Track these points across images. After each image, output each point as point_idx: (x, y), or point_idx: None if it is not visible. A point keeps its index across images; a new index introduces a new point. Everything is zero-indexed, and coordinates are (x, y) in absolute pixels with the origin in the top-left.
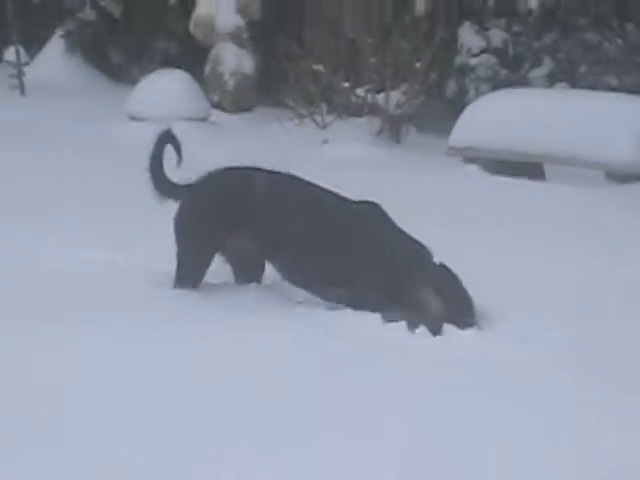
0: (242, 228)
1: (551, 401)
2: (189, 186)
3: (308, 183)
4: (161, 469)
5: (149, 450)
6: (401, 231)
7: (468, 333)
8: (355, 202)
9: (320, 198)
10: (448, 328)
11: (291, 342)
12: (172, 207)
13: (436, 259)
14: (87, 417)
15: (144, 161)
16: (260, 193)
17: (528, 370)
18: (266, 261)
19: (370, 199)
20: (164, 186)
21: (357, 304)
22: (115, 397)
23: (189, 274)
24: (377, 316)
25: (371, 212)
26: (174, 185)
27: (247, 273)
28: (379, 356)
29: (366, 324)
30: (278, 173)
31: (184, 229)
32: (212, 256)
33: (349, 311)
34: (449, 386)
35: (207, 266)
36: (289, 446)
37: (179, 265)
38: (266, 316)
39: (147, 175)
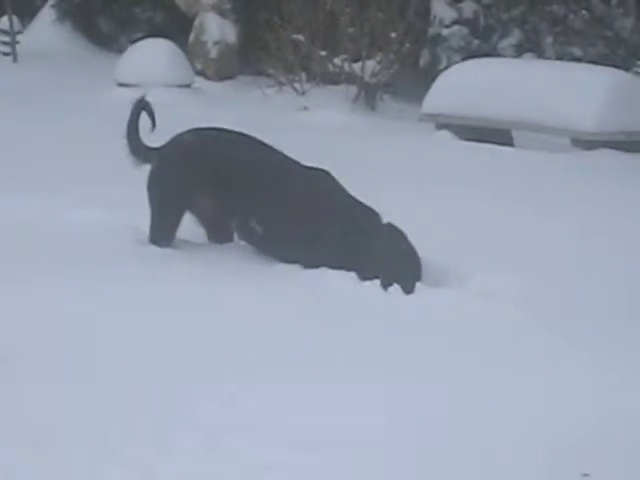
0: (205, 188)
1: (516, 351)
2: (160, 149)
3: (268, 147)
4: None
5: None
6: (350, 195)
7: (438, 291)
8: (308, 168)
9: (277, 162)
10: (419, 286)
11: (271, 297)
12: None
13: (384, 220)
14: (85, 360)
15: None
16: (221, 155)
17: (493, 323)
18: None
19: (321, 167)
20: (139, 151)
21: (310, 265)
22: (111, 345)
23: (160, 231)
24: (353, 275)
25: (323, 177)
26: (148, 149)
27: (217, 233)
28: (355, 312)
29: (342, 282)
30: (241, 135)
31: (154, 189)
32: (180, 214)
33: (326, 269)
34: (421, 339)
35: (176, 224)
36: (268, 390)
37: (151, 223)
38: (246, 274)
39: (124, 141)
